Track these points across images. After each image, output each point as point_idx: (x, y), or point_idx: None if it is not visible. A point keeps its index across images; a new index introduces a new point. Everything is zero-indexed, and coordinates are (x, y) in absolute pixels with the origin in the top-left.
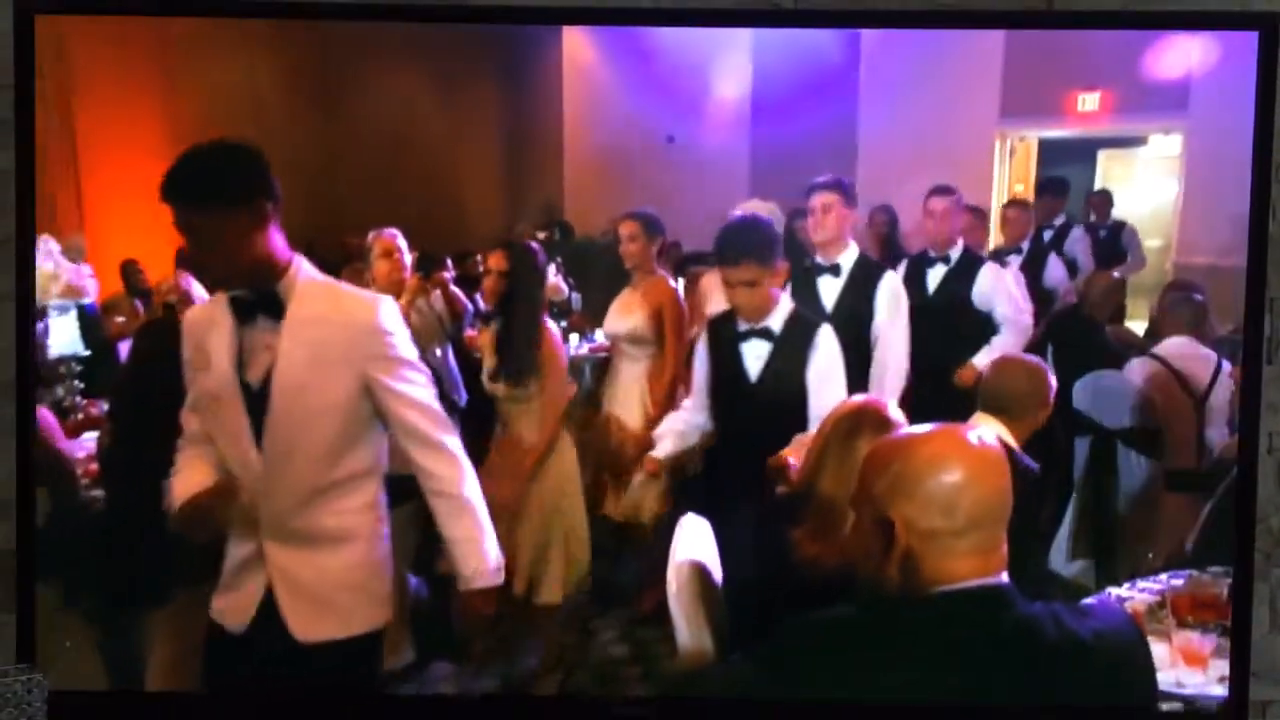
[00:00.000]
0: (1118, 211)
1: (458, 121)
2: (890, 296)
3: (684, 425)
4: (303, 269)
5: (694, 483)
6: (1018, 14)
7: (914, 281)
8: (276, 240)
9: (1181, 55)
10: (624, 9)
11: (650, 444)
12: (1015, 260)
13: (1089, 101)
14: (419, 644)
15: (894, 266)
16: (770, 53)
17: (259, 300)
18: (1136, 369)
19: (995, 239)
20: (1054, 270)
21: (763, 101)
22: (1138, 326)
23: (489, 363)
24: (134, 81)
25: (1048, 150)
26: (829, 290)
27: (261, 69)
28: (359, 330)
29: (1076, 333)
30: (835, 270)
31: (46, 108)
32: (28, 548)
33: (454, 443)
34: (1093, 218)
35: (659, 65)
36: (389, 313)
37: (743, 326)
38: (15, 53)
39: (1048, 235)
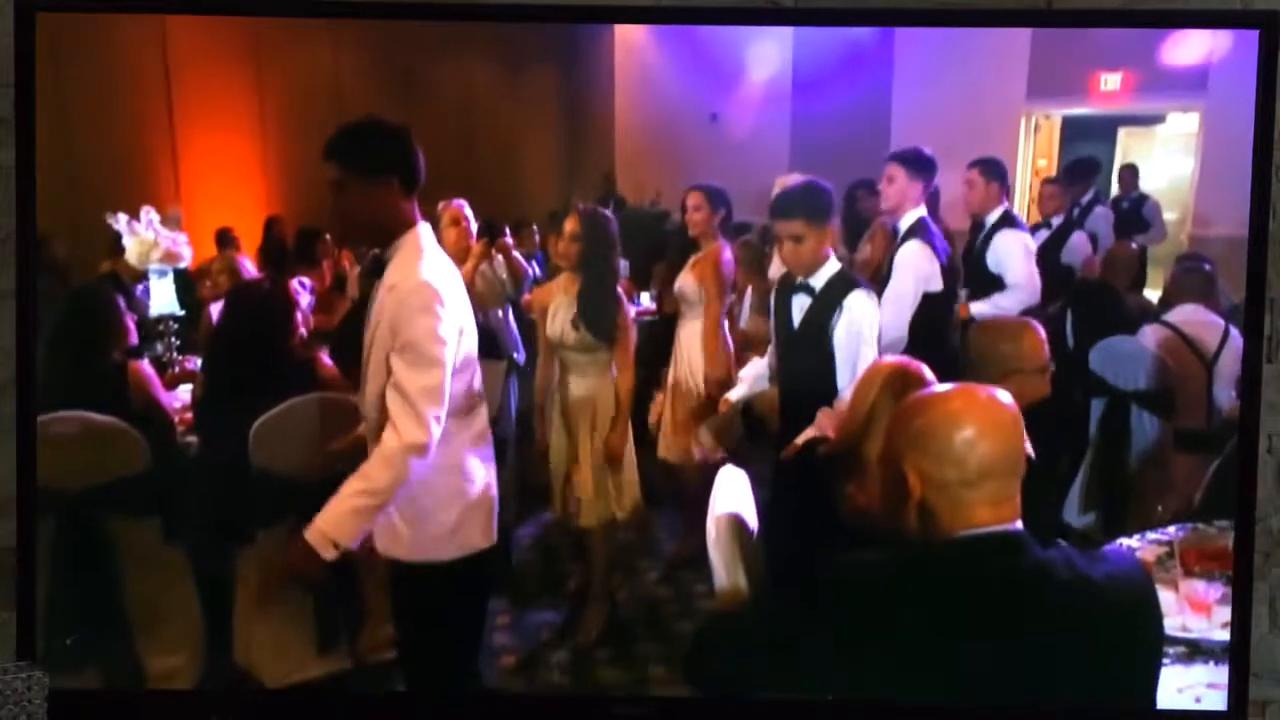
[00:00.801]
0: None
1: (519, 101)
2: (898, 262)
3: (762, 369)
4: (411, 238)
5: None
6: (1019, 13)
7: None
8: (401, 211)
9: (1201, 38)
10: (623, 7)
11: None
12: (1042, 235)
13: (1111, 81)
14: None
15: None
16: (809, 34)
17: (375, 261)
18: (1149, 334)
19: (1031, 214)
20: (1076, 246)
21: (802, 80)
22: (1155, 295)
23: (567, 312)
24: (226, 65)
25: (1070, 127)
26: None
27: (342, 53)
28: (400, 296)
29: (1097, 300)
30: (895, 233)
31: (142, 91)
32: (28, 545)
33: (409, 435)
34: (1117, 190)
35: (703, 47)
36: (437, 291)
37: (795, 281)
38: (16, 50)
39: (1075, 213)
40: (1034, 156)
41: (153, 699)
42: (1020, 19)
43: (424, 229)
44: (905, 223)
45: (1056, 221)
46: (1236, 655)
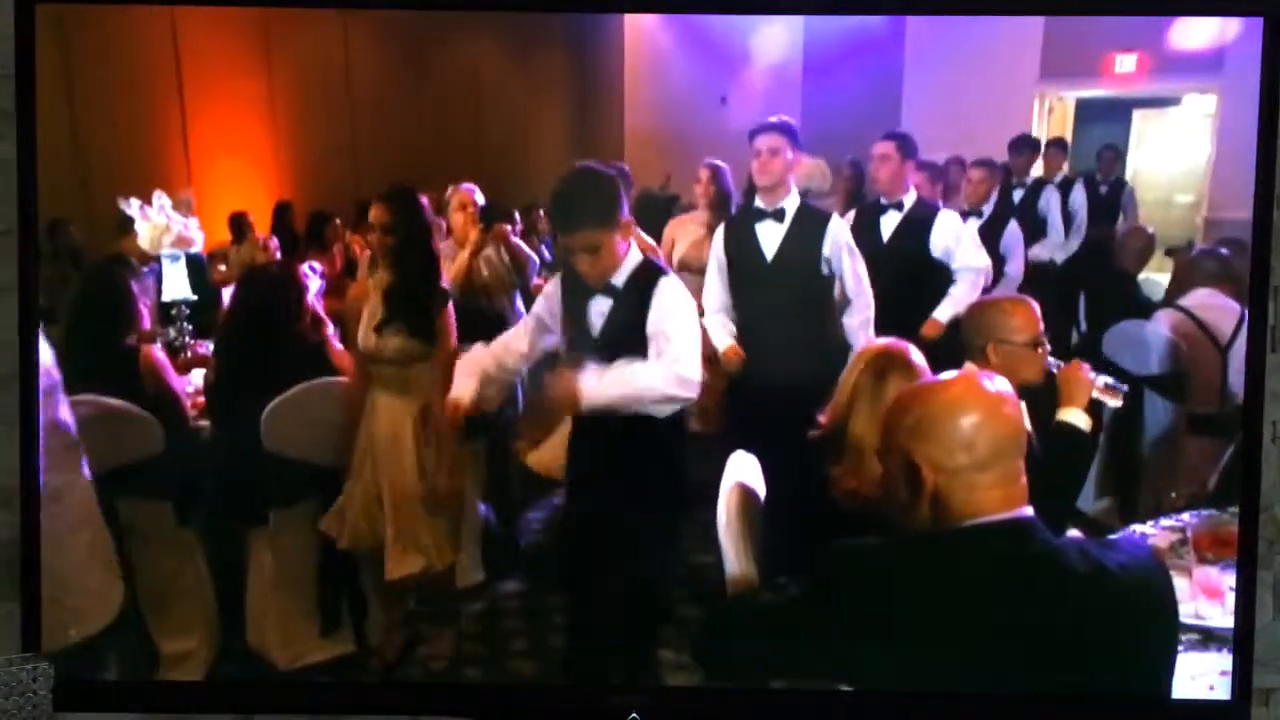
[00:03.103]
0: (1151, 169)
1: (529, 84)
2: (843, 240)
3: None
4: None
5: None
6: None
7: (868, 229)
8: None
9: (1216, 19)
10: None
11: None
12: (975, 222)
13: (1126, 63)
14: (488, 566)
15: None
16: (820, 15)
17: None
18: (1163, 319)
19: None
20: (1011, 234)
21: (813, 62)
22: (1162, 279)
23: (374, 315)
24: (237, 47)
25: (1084, 109)
26: (770, 235)
27: (354, 35)
28: None
29: (1109, 284)
30: (779, 215)
31: (154, 77)
32: (32, 537)
33: None
34: (1097, 172)
35: (713, 29)
36: None
37: (589, 286)
38: (16, 42)
39: (1018, 195)
40: (1046, 140)
41: (157, 689)
42: (1020, 6)
43: None
44: (791, 203)
45: (987, 210)
46: (1241, 643)
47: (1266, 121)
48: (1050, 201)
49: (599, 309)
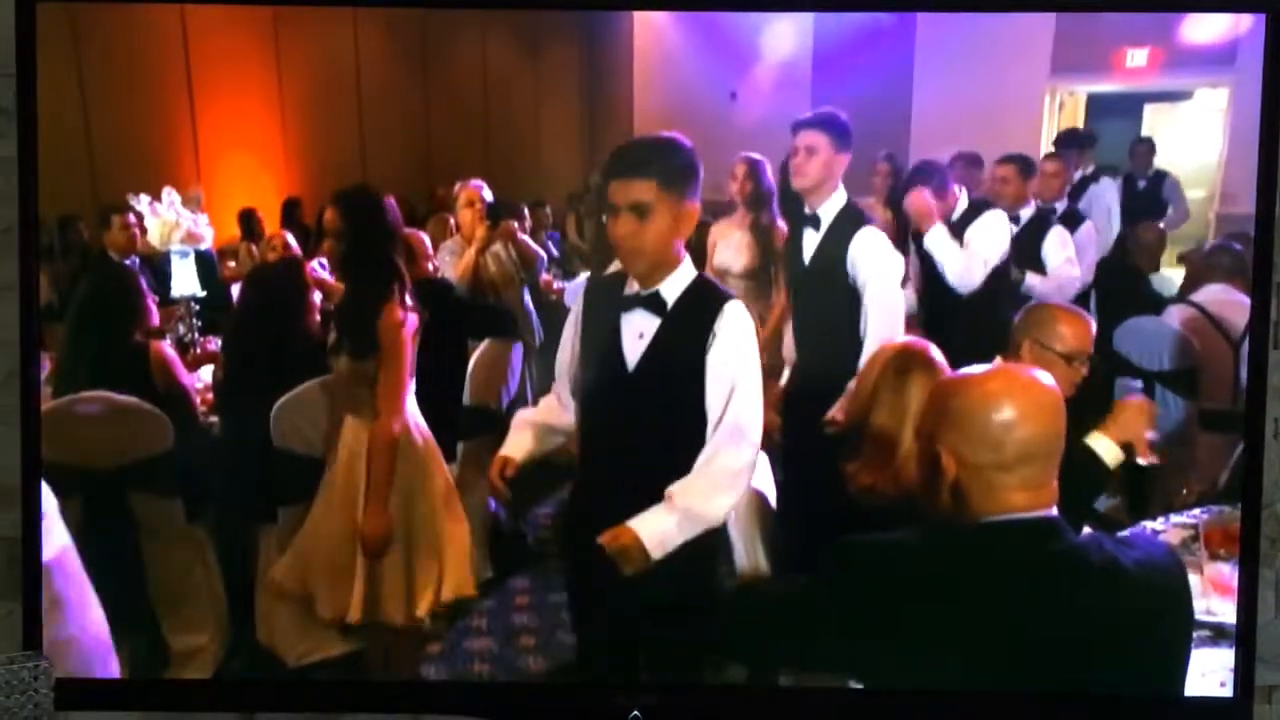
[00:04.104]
0: (1162, 164)
1: (538, 80)
2: (867, 252)
3: (554, 417)
4: None
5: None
6: None
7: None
8: None
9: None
10: None
11: None
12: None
13: (1137, 57)
14: (496, 563)
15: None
16: (831, 10)
17: None
18: (1175, 315)
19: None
20: (1085, 233)
21: (823, 57)
22: (1175, 275)
23: (332, 335)
24: (246, 40)
25: (1095, 104)
26: (809, 241)
27: (363, 32)
28: None
29: (1121, 281)
30: (815, 222)
31: (163, 73)
32: (33, 536)
33: None
34: (1132, 167)
35: (722, 24)
36: None
37: (628, 290)
38: (17, 40)
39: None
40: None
41: (158, 688)
42: (1021, 2)
43: None
44: (829, 208)
45: (1061, 206)
46: (1243, 640)
47: (1269, 117)
48: (1105, 195)
49: (637, 329)
